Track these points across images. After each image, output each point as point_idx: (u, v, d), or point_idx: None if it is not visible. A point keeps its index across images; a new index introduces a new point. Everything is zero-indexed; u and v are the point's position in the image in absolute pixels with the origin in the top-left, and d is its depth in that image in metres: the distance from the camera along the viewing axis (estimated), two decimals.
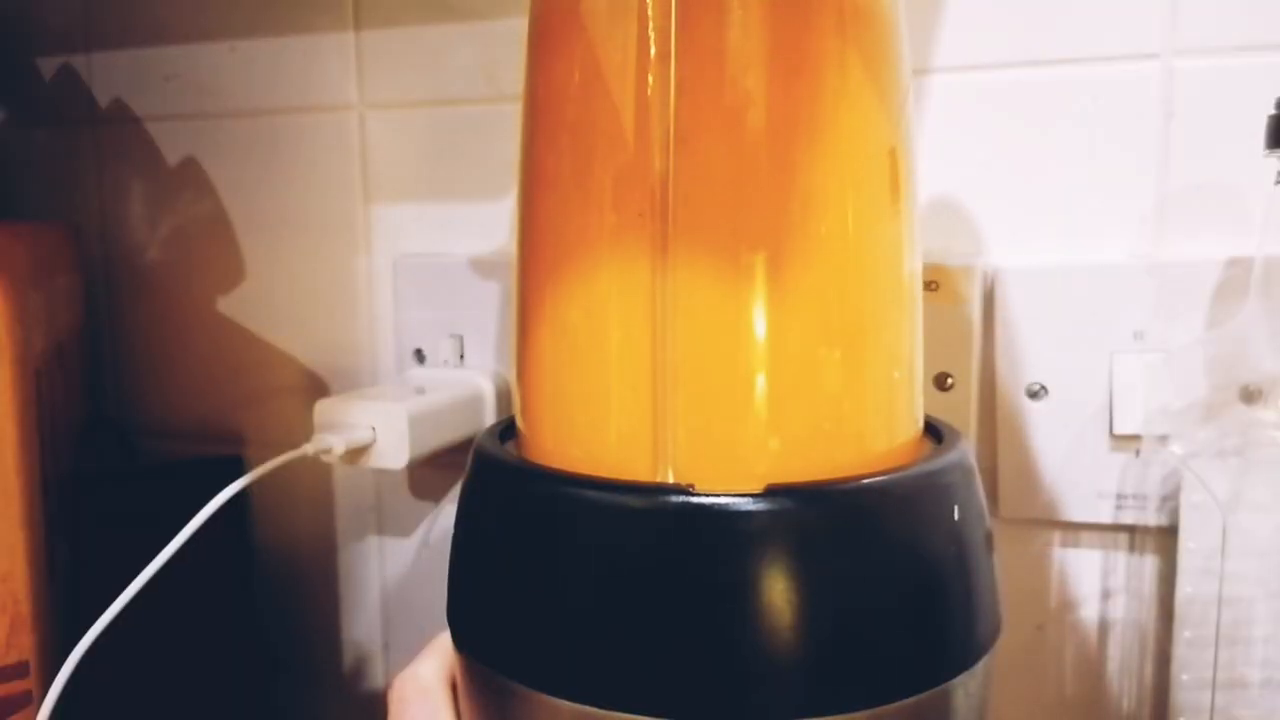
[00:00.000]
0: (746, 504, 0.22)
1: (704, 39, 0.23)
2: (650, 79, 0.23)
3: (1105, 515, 0.42)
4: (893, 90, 0.25)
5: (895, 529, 0.24)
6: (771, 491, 0.23)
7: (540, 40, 0.26)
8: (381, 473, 0.55)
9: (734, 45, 0.23)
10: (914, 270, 0.26)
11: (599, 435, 0.25)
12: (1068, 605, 0.44)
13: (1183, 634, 0.39)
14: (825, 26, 0.24)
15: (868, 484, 0.24)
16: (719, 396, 0.24)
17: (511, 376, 0.48)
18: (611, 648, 0.23)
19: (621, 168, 0.24)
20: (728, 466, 0.24)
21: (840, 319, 0.24)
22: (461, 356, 0.51)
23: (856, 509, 0.23)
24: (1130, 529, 0.42)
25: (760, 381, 0.24)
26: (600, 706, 0.23)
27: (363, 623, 0.56)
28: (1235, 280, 0.39)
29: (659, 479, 0.24)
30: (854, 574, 0.23)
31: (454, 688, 0.31)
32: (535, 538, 0.24)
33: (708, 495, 0.23)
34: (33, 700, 0.40)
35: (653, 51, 0.23)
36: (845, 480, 0.24)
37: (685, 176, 0.23)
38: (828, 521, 0.23)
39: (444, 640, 0.32)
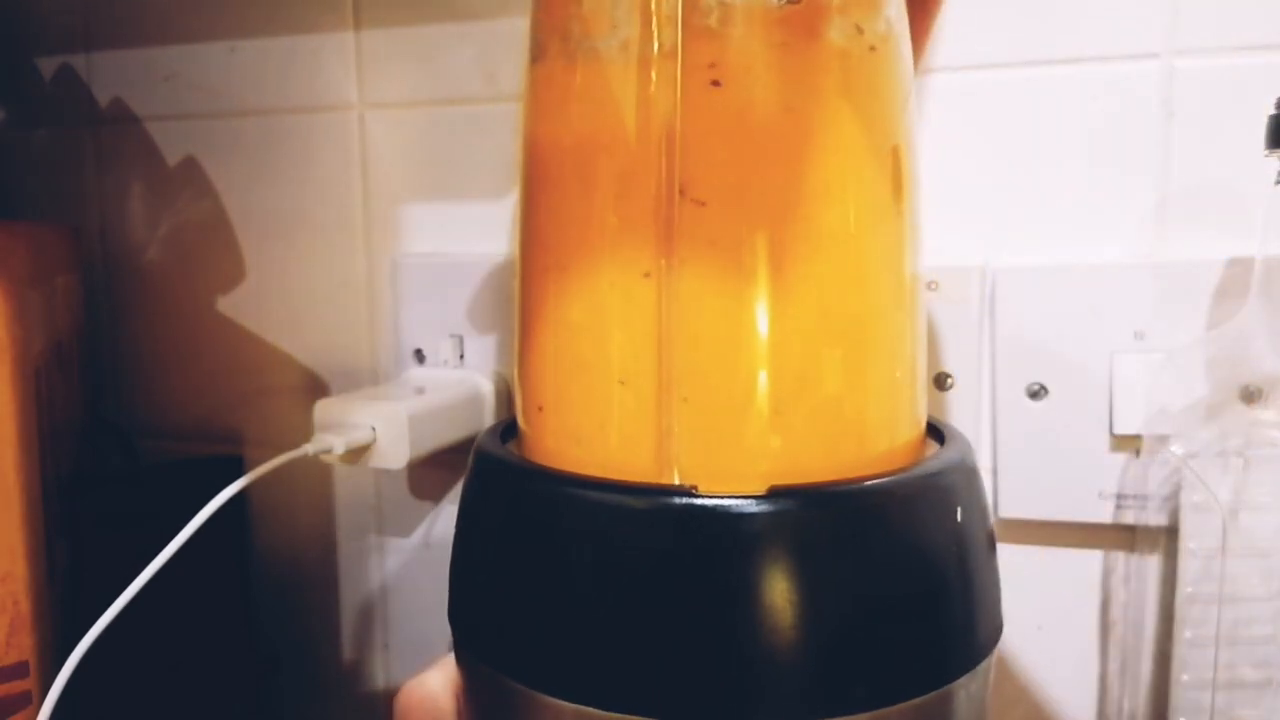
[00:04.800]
0: (749, 505, 0.22)
1: (708, 38, 0.23)
2: (654, 77, 0.23)
3: (1105, 515, 0.42)
4: (896, 90, 0.25)
5: (898, 530, 0.24)
6: (774, 493, 0.23)
7: (543, 40, 0.26)
8: (381, 473, 0.55)
9: (738, 45, 0.23)
10: (916, 271, 0.26)
11: (601, 436, 0.25)
12: (1068, 605, 0.44)
13: (1183, 634, 0.39)
14: (829, 29, 0.24)
15: (871, 485, 0.24)
16: (722, 397, 0.24)
17: (512, 376, 0.48)
18: (614, 649, 0.23)
19: (624, 168, 0.24)
20: (731, 467, 0.24)
21: (843, 320, 0.24)
22: (461, 356, 0.51)
23: (859, 510, 0.23)
24: (1130, 529, 0.42)
25: (763, 382, 0.24)
26: (602, 708, 0.23)
27: (363, 623, 0.56)
28: (1235, 280, 0.39)
29: (662, 480, 0.24)
30: (857, 575, 0.23)
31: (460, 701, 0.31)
32: (537, 538, 0.24)
33: (710, 496, 0.23)
34: (33, 700, 0.40)
35: (656, 49, 0.23)
36: (848, 481, 0.24)
37: (688, 176, 0.23)
38: (831, 522, 0.23)
39: (454, 656, 0.32)
